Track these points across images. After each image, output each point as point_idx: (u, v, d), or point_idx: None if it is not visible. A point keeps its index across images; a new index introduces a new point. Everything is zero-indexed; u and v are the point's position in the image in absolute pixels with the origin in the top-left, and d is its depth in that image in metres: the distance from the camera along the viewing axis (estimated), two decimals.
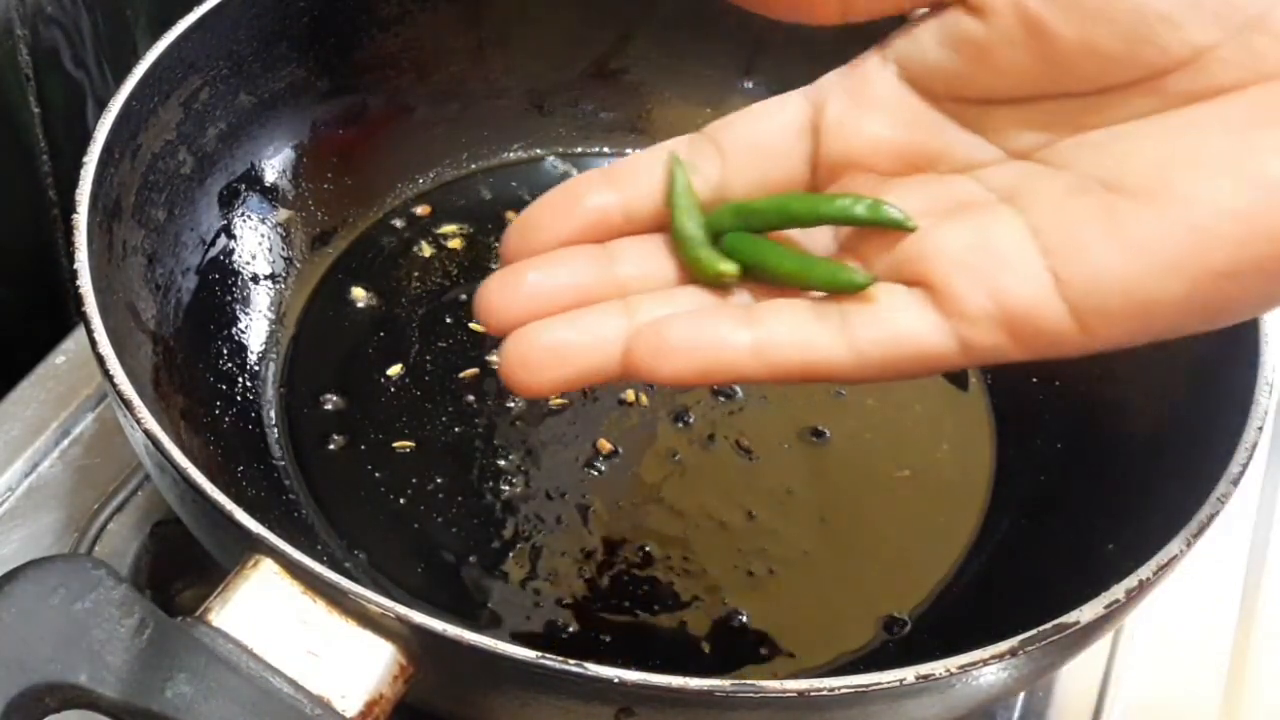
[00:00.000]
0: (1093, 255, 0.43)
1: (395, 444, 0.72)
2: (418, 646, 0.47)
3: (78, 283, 0.57)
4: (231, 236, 0.76)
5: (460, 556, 0.68)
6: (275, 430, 0.73)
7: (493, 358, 0.77)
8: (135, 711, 0.43)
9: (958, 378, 0.81)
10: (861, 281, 0.47)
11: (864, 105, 0.51)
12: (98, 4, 0.83)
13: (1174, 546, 0.53)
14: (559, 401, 0.75)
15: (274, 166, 0.79)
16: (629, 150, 0.92)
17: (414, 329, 0.78)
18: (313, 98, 0.81)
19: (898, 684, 0.47)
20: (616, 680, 0.46)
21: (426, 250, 0.84)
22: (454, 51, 0.87)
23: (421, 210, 0.86)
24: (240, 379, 0.73)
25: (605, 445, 0.74)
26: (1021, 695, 0.69)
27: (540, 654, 0.46)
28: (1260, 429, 0.58)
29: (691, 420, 0.76)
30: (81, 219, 0.59)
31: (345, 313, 0.79)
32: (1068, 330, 0.44)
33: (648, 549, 0.69)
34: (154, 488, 0.67)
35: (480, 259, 0.83)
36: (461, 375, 0.76)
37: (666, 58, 0.91)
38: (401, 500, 0.70)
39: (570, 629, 0.66)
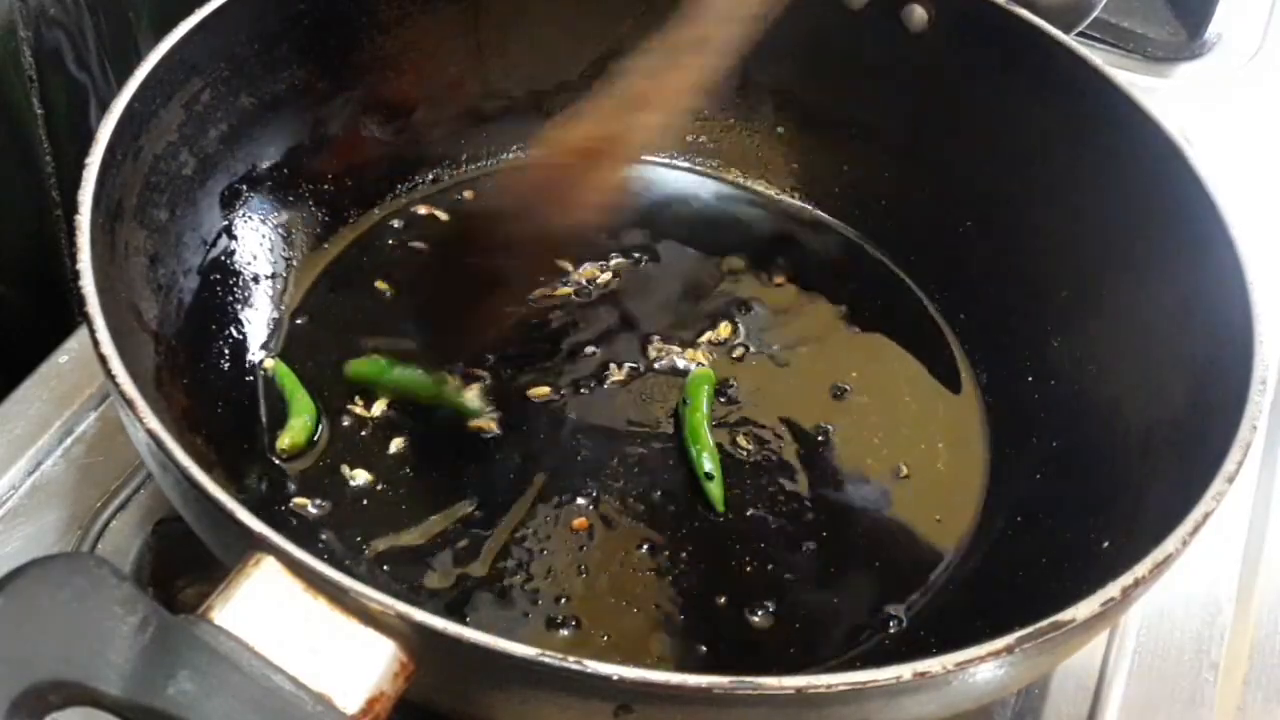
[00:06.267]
0: None
1: (395, 442, 0.73)
2: (418, 644, 0.47)
3: (80, 283, 0.57)
4: (233, 237, 0.77)
5: (461, 554, 0.68)
6: (276, 429, 0.73)
7: (492, 357, 0.78)
8: (138, 709, 0.43)
9: (950, 377, 0.81)
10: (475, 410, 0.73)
11: None
12: (100, 6, 0.84)
13: (1169, 545, 0.54)
14: (551, 395, 0.75)
15: (275, 167, 0.80)
16: None
17: (414, 328, 0.79)
18: (313, 99, 0.81)
19: (895, 681, 0.47)
20: (615, 677, 0.46)
21: (426, 250, 0.84)
22: (453, 54, 0.87)
23: (421, 211, 0.86)
24: (241, 378, 0.74)
25: (604, 443, 0.74)
26: (1016, 692, 0.69)
27: (540, 651, 0.46)
28: (1254, 428, 0.59)
29: None
30: (84, 220, 0.60)
31: (345, 312, 0.79)
32: None
33: (647, 548, 0.70)
34: (156, 486, 0.67)
35: (480, 259, 0.84)
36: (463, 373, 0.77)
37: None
38: (402, 498, 0.70)
39: (569, 626, 0.66)
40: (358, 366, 0.76)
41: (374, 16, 0.83)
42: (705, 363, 0.79)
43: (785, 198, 0.91)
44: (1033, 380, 0.78)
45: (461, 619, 0.65)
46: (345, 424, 0.73)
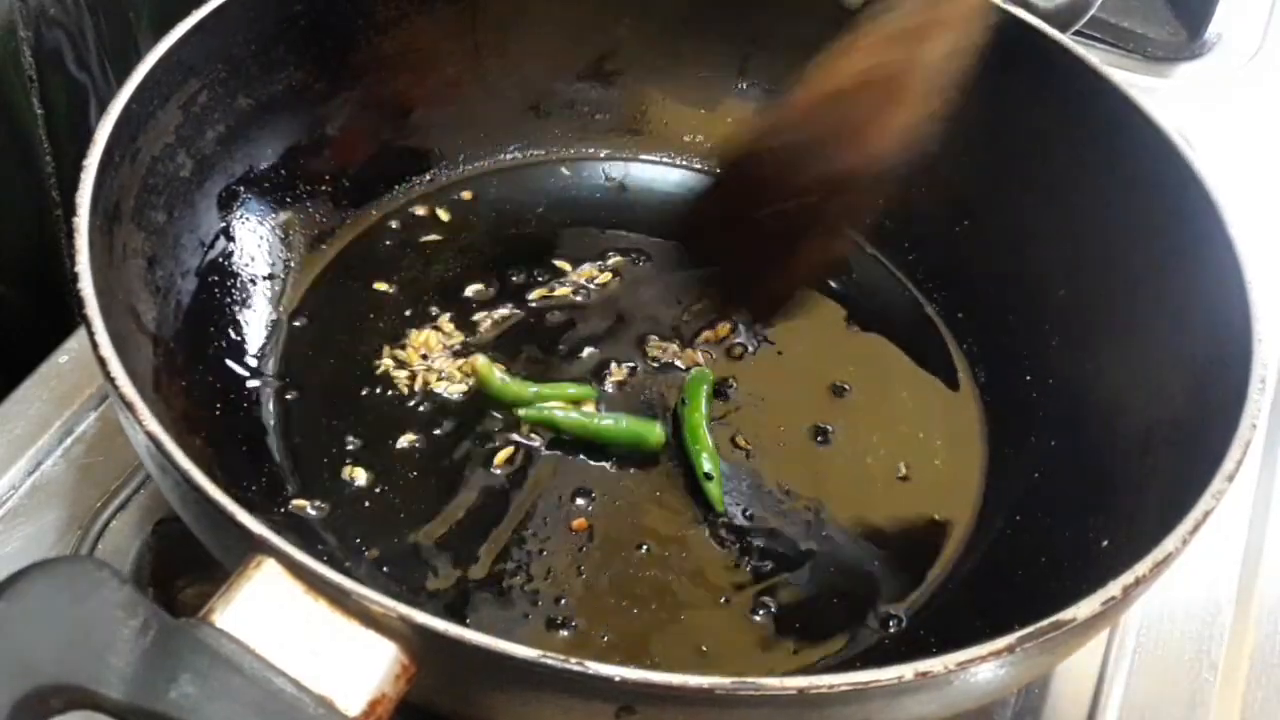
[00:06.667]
0: None
1: (395, 443, 0.73)
2: (419, 646, 0.47)
3: (79, 286, 0.57)
4: (230, 238, 0.77)
5: (461, 555, 0.68)
6: (275, 430, 0.73)
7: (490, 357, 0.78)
8: (140, 712, 0.43)
9: (949, 376, 0.81)
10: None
11: None
12: (100, 6, 0.84)
13: (1170, 543, 0.54)
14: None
15: (272, 169, 0.80)
16: (625, 152, 0.92)
17: (412, 329, 0.79)
18: (310, 100, 0.81)
19: (897, 681, 0.47)
20: (617, 679, 0.46)
21: (424, 251, 0.84)
22: (450, 54, 0.87)
23: (419, 211, 0.86)
24: (240, 379, 0.74)
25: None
26: (1016, 692, 0.69)
27: (541, 653, 0.46)
28: (1254, 426, 0.59)
29: None
30: (82, 222, 0.60)
31: (344, 313, 0.79)
32: None
33: (646, 548, 0.70)
34: (156, 486, 0.67)
35: (478, 259, 0.84)
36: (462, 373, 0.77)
37: (662, 59, 0.91)
38: (402, 499, 0.70)
39: (569, 627, 0.66)
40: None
41: (371, 17, 0.83)
42: (704, 362, 0.79)
43: None
44: (1031, 379, 0.78)
45: (462, 620, 0.65)
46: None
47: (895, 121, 0.65)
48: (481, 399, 0.75)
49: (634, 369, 0.78)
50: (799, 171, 0.66)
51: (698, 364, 0.79)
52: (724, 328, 0.81)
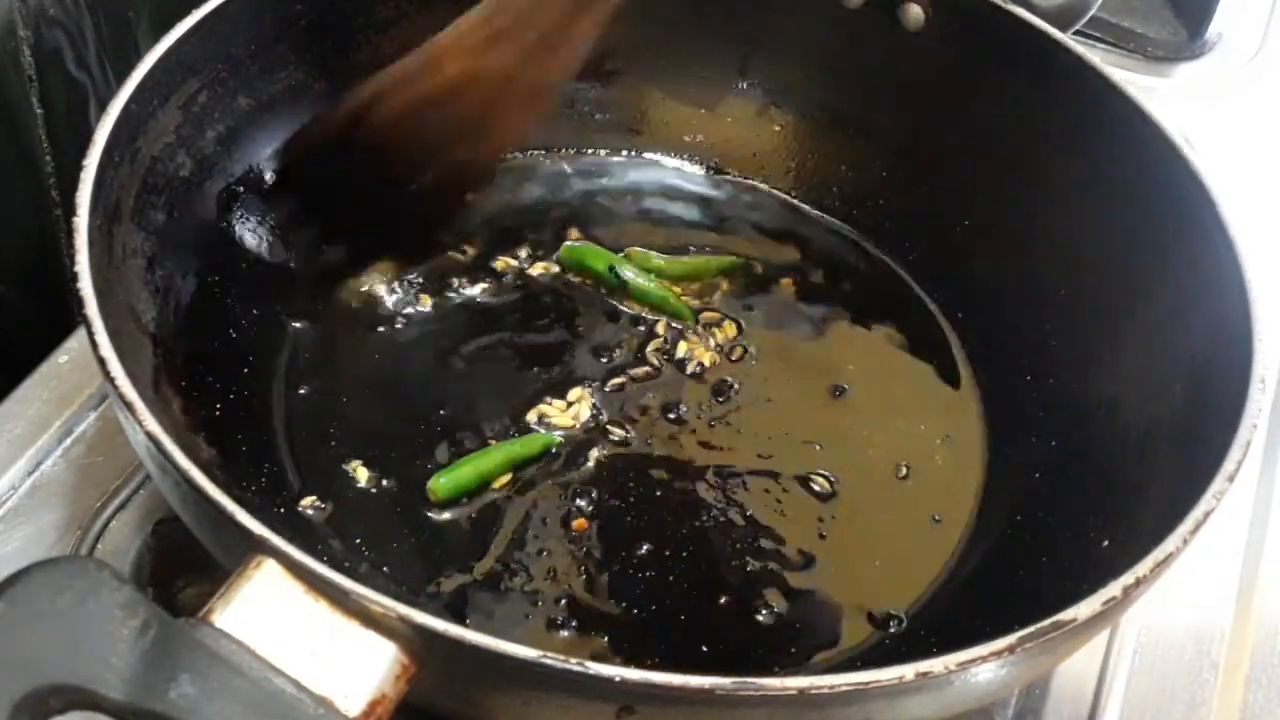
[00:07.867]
0: None
1: (396, 442, 0.73)
2: (420, 646, 0.47)
3: (78, 285, 0.57)
4: (230, 239, 0.76)
5: (462, 555, 0.68)
6: (275, 430, 0.73)
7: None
8: (139, 713, 0.43)
9: (950, 376, 0.81)
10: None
11: None
12: (100, 6, 0.84)
13: (1170, 544, 0.54)
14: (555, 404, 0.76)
15: (272, 169, 0.79)
16: (625, 151, 0.92)
17: (413, 328, 0.79)
18: (311, 100, 0.81)
19: (898, 681, 0.47)
20: (618, 679, 0.46)
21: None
22: None
23: None
24: (240, 379, 0.73)
25: (603, 445, 0.74)
26: (1017, 692, 0.69)
27: (542, 653, 0.46)
28: (1255, 426, 0.59)
29: (689, 419, 0.76)
30: (82, 222, 0.59)
31: (343, 312, 0.79)
32: None
33: (647, 548, 0.70)
34: (156, 486, 0.67)
35: (477, 259, 0.84)
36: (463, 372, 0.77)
37: (661, 59, 0.91)
38: (402, 498, 0.70)
39: (570, 627, 0.66)
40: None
41: (371, 17, 0.83)
42: (705, 362, 0.79)
43: (783, 196, 0.91)
44: (1032, 379, 0.78)
45: (462, 620, 0.65)
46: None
47: (503, 122, 0.72)
48: (485, 400, 0.75)
49: (636, 369, 0.78)
50: (416, 150, 0.73)
51: (701, 363, 0.79)
52: (726, 328, 0.81)
